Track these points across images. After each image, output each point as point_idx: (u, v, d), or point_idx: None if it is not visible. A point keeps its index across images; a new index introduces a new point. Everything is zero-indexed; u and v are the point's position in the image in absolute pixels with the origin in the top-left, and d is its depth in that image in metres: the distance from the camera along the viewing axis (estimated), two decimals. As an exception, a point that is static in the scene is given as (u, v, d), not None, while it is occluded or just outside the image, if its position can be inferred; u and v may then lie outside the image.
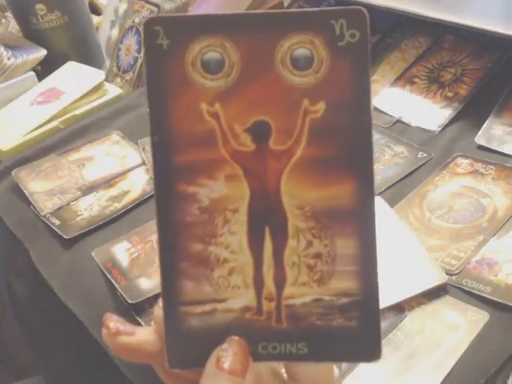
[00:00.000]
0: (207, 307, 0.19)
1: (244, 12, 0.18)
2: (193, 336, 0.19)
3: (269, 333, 0.18)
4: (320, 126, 0.18)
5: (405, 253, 0.40)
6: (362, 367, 0.34)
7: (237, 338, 0.18)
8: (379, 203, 0.44)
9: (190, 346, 0.19)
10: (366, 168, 0.18)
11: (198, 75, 0.18)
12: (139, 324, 0.39)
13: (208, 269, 0.19)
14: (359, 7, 0.17)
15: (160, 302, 0.19)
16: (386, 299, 0.37)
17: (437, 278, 0.38)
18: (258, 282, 0.19)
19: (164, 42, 0.18)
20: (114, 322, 0.20)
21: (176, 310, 0.19)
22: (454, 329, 0.35)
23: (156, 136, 0.18)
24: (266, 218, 0.18)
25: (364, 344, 0.18)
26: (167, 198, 0.18)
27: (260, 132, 0.18)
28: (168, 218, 0.18)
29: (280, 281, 0.18)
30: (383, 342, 0.35)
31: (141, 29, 0.56)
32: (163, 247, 0.19)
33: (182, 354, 0.19)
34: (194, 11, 0.76)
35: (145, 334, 0.20)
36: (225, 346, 0.18)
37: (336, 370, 0.34)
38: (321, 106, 0.18)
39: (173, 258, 0.19)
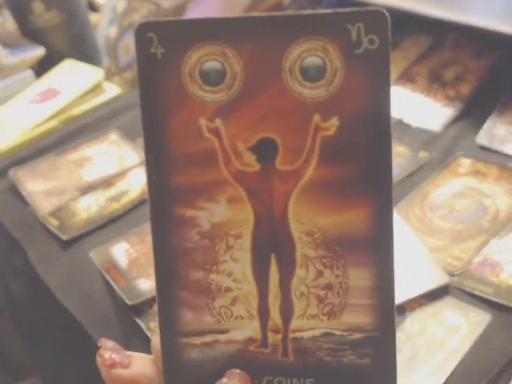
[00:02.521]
0: (208, 338, 0.18)
1: (248, 15, 0.16)
2: (193, 369, 0.18)
3: (274, 367, 0.17)
4: (333, 145, 0.16)
5: (406, 253, 0.40)
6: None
7: (238, 371, 0.17)
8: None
9: (189, 379, 0.18)
10: (385, 191, 0.16)
11: (197, 87, 0.16)
12: (138, 325, 0.39)
13: (209, 298, 0.17)
14: (380, 9, 0.15)
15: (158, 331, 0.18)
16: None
17: (438, 279, 0.37)
18: (263, 313, 0.17)
19: (158, 51, 0.16)
20: (108, 352, 0.19)
21: (175, 341, 0.18)
22: (456, 330, 0.35)
23: (151, 154, 0.17)
24: (272, 245, 0.17)
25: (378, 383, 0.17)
26: (164, 221, 0.17)
27: (265, 151, 0.16)
28: (165, 244, 0.17)
29: (287, 312, 0.17)
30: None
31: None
32: (160, 274, 0.17)
33: None
34: (192, 10, 0.76)
35: (141, 366, 0.19)
36: (225, 380, 0.17)
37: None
38: (334, 123, 0.16)
39: (171, 286, 0.17)
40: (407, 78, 0.59)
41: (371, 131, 0.16)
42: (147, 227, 0.48)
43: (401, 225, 0.42)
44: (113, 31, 0.77)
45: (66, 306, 0.43)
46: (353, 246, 0.17)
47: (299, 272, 0.17)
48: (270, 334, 0.17)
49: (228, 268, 0.17)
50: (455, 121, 0.54)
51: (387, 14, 0.15)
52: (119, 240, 0.46)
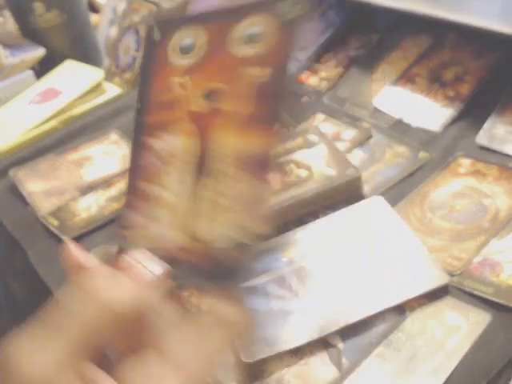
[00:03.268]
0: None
1: (215, 7, 0.23)
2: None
3: (194, 271, 0.22)
4: (262, 89, 0.21)
5: (406, 253, 0.39)
6: (363, 369, 0.33)
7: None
8: (380, 203, 0.44)
9: None
10: (279, 122, 0.22)
11: (176, 57, 0.23)
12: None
13: (150, 206, 0.23)
14: None
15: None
16: (387, 300, 0.36)
17: (438, 279, 0.37)
18: (186, 222, 0.22)
19: (156, 37, 0.24)
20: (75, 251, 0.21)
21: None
22: (456, 330, 0.35)
23: (139, 103, 0.24)
24: (203, 166, 0.22)
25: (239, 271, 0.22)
26: (136, 147, 0.24)
27: (214, 96, 0.22)
28: (134, 163, 0.24)
29: (205, 220, 0.22)
30: (384, 342, 0.34)
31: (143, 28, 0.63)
32: (129, 185, 0.24)
33: None
34: (192, 10, 0.76)
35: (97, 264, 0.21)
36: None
37: (336, 372, 0.33)
38: (266, 72, 0.21)
39: (129, 192, 0.24)
40: (407, 78, 0.59)
41: (285, 77, 0.21)
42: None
43: (401, 224, 0.42)
44: (113, 32, 0.77)
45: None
46: (256, 165, 0.22)
47: (218, 186, 0.22)
48: (191, 241, 0.22)
49: (168, 183, 0.23)
50: (455, 121, 0.54)
51: None
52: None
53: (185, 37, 0.23)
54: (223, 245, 0.21)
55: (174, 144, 0.23)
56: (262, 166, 0.21)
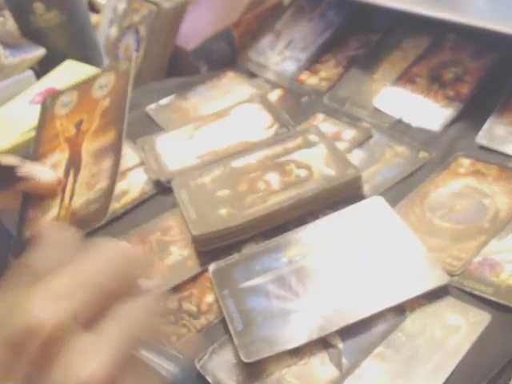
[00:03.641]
0: None
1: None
2: None
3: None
4: (106, 111, 0.35)
5: (406, 253, 0.40)
6: (363, 369, 0.33)
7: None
8: (380, 203, 0.44)
9: None
10: (122, 122, 0.34)
11: (60, 109, 0.38)
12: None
13: (44, 208, 0.35)
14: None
15: None
16: (387, 300, 0.36)
17: (438, 279, 0.37)
18: (62, 200, 0.34)
19: (48, 103, 0.39)
20: None
21: None
22: (456, 330, 0.35)
23: (34, 142, 0.38)
24: (75, 167, 0.34)
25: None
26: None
27: (78, 124, 0.36)
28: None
29: (75, 197, 0.33)
30: (384, 342, 0.34)
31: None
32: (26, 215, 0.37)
33: None
34: (193, 10, 0.76)
35: None
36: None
37: (336, 372, 0.33)
38: (108, 101, 0.35)
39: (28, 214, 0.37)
40: (407, 78, 0.59)
41: (122, 101, 0.35)
42: (147, 227, 0.48)
43: (400, 224, 0.42)
44: (113, 32, 0.77)
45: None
46: (106, 151, 0.33)
47: (84, 173, 0.34)
48: (65, 212, 0.33)
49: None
50: (455, 121, 0.54)
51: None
52: (119, 240, 0.46)
53: (65, 98, 0.38)
54: (84, 205, 0.32)
55: (55, 158, 0.35)
56: (109, 150, 0.33)
